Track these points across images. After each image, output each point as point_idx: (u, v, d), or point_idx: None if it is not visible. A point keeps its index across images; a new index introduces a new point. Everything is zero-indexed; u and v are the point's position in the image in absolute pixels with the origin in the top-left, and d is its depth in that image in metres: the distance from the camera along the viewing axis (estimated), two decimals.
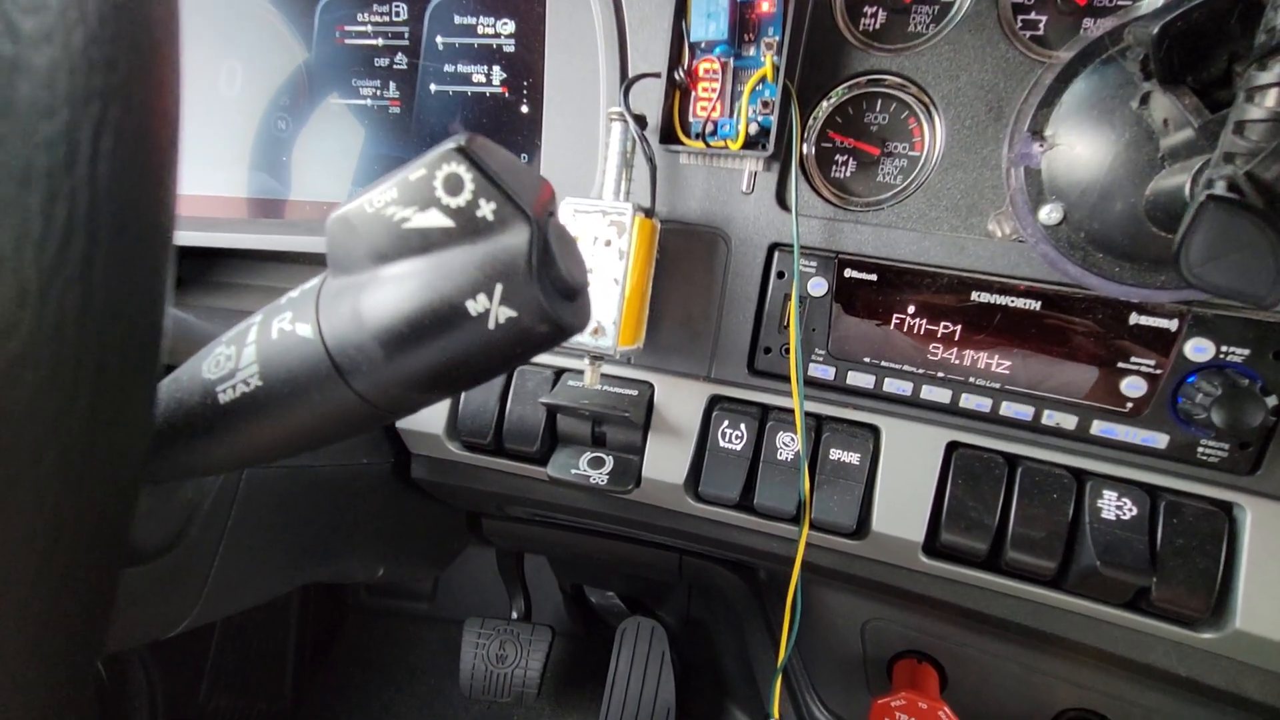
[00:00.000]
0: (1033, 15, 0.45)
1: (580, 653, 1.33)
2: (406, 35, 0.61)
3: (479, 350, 0.24)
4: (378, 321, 0.24)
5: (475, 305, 0.23)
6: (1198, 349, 0.42)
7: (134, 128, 0.11)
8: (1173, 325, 0.43)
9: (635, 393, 0.54)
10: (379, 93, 0.63)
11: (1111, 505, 0.45)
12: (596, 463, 0.56)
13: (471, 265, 0.23)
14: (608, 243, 0.46)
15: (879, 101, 0.49)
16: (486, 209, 0.23)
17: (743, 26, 0.46)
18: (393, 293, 0.24)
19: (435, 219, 0.23)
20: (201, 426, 0.28)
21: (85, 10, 0.10)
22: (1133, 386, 0.44)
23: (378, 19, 0.62)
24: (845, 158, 0.50)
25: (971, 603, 0.50)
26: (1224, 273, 0.25)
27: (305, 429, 0.27)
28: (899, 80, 0.47)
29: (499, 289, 0.23)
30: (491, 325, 0.24)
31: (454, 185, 0.23)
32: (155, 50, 0.11)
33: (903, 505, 0.48)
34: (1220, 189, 0.25)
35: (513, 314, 0.23)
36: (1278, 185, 0.24)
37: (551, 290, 0.24)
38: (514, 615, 1.27)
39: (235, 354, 0.27)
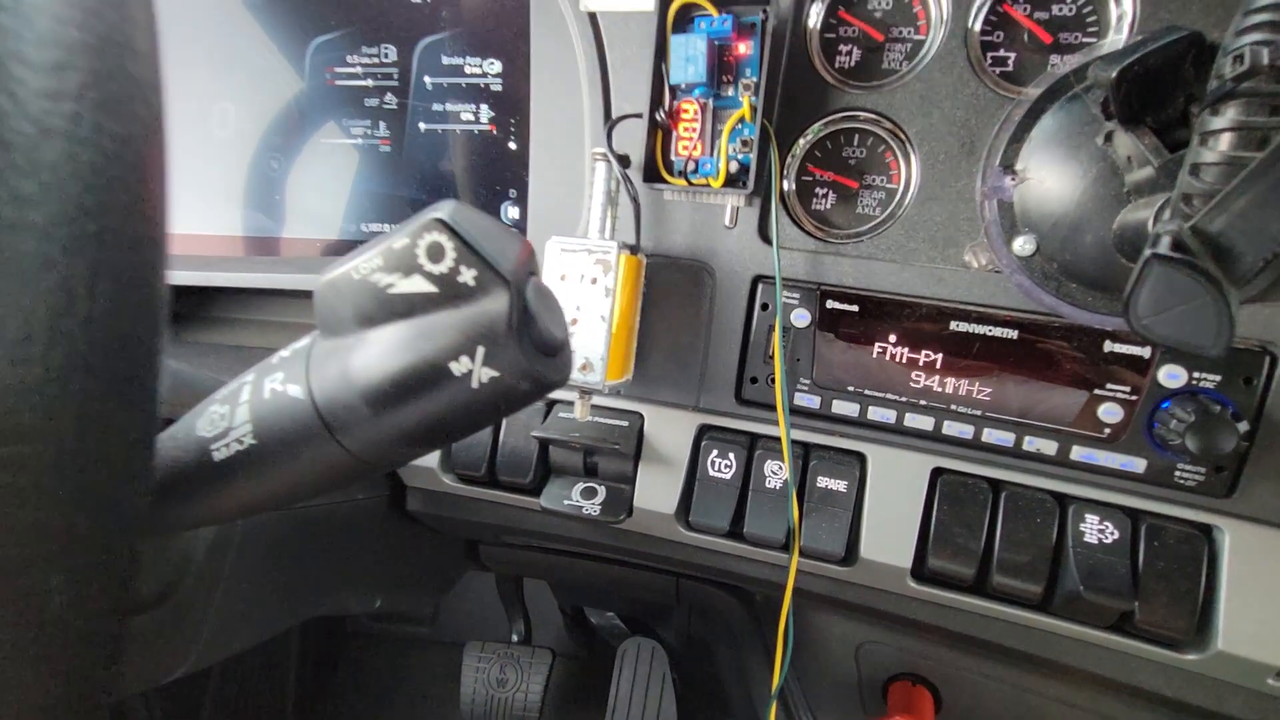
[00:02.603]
0: (1001, 53, 0.46)
1: (581, 674, 1.33)
2: (395, 75, 0.63)
3: (463, 408, 0.25)
4: (365, 382, 0.25)
5: (459, 366, 0.24)
6: (1171, 375, 0.43)
7: (126, 262, 0.12)
8: (1146, 353, 0.44)
9: (625, 424, 0.55)
10: (369, 132, 0.64)
11: (1094, 529, 0.45)
12: (589, 493, 0.56)
13: (454, 329, 0.24)
14: (594, 280, 0.47)
15: (855, 136, 0.50)
16: (467, 275, 0.24)
17: (721, 69, 0.48)
18: (379, 355, 0.25)
19: (419, 285, 0.24)
20: (197, 483, 0.28)
21: (78, 164, 0.11)
22: (1110, 413, 0.45)
23: (367, 60, 0.63)
24: (825, 191, 0.51)
25: (961, 626, 0.50)
26: (1170, 325, 0.26)
27: (297, 483, 0.28)
28: (874, 117, 0.48)
29: (481, 351, 0.24)
30: (475, 385, 0.24)
31: (436, 253, 0.24)
32: (146, 184, 0.12)
33: (890, 531, 0.49)
34: (1165, 247, 0.26)
35: (495, 374, 0.24)
36: (1220, 239, 0.25)
37: (532, 349, 0.25)
38: (514, 638, 1.27)
39: (229, 413, 0.28)
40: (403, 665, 1.36)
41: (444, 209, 0.24)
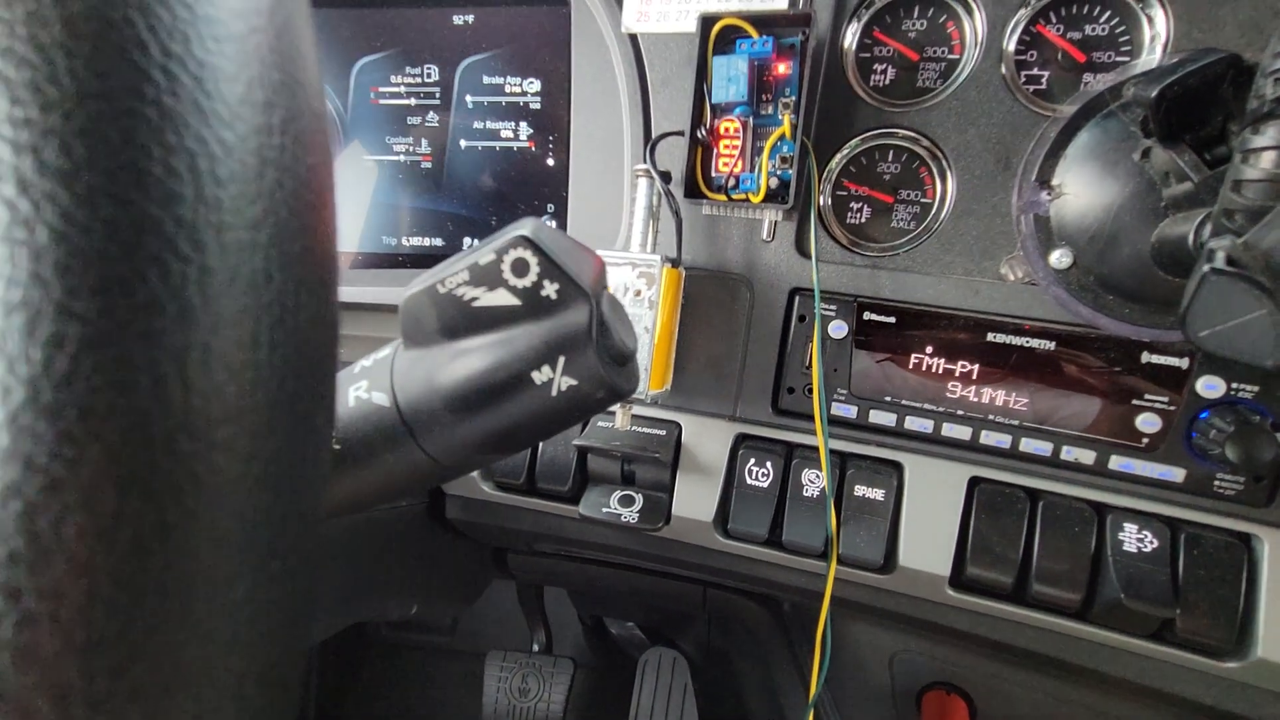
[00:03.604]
0: (1035, 71, 0.47)
1: (601, 685, 1.33)
2: (438, 94, 0.65)
3: (541, 415, 0.27)
4: (450, 389, 0.26)
5: (540, 375, 0.26)
6: (1209, 386, 0.44)
7: (317, 277, 0.13)
8: (1184, 363, 0.44)
9: (664, 433, 0.56)
10: (411, 149, 0.66)
11: (1133, 538, 0.46)
12: (626, 501, 0.57)
13: (537, 340, 0.25)
14: (638, 293, 0.49)
15: (890, 152, 0.51)
16: (550, 289, 0.25)
17: (761, 88, 0.49)
18: (464, 364, 0.26)
19: (503, 298, 0.26)
20: None
21: (285, 190, 0.12)
22: (1148, 423, 0.45)
23: (410, 80, 0.65)
24: (860, 205, 0.52)
25: (999, 635, 0.51)
26: (1227, 339, 0.27)
27: (377, 486, 0.29)
28: (911, 134, 0.49)
29: (561, 360, 0.25)
30: (554, 393, 0.26)
31: (520, 268, 0.25)
32: (328, 206, 0.14)
33: (928, 540, 0.50)
34: (1220, 261, 0.27)
35: (574, 382, 0.26)
36: (1274, 254, 0.26)
37: (608, 359, 0.26)
38: (535, 648, 1.28)
39: None
40: (424, 674, 1.37)
41: (527, 226, 0.26)
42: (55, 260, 0.10)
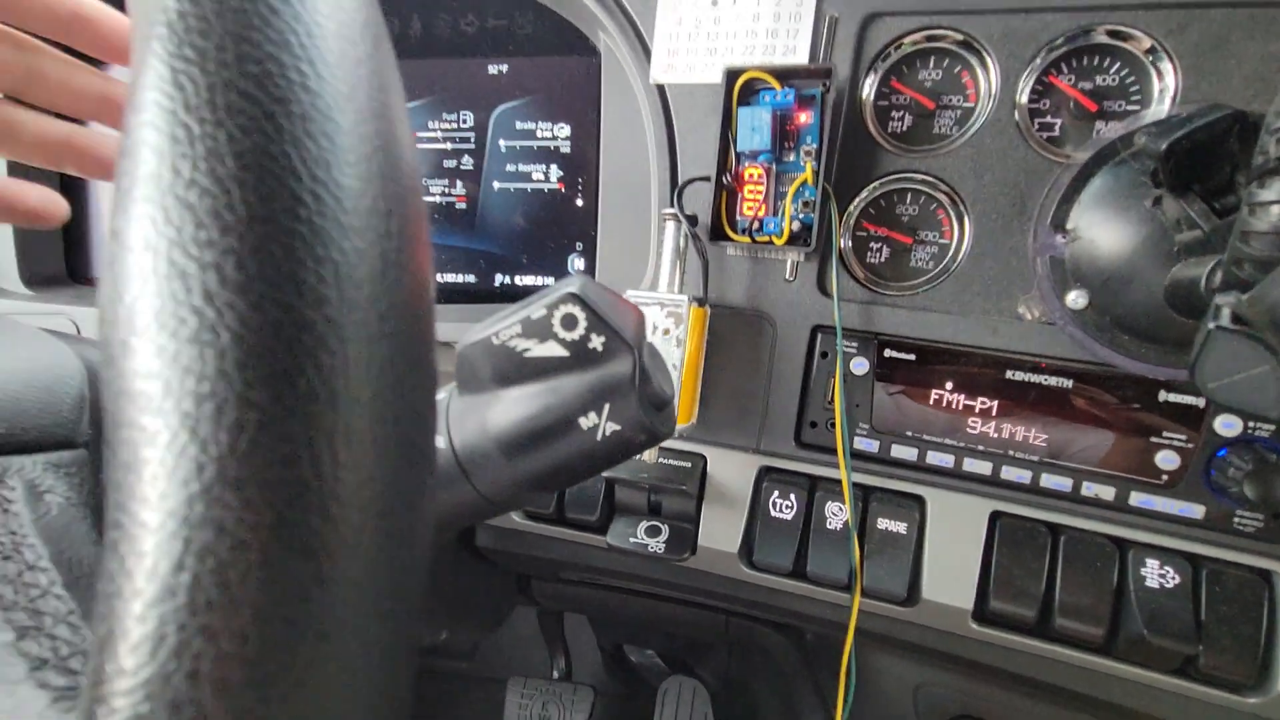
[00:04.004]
0: (1048, 119, 0.49)
1: (621, 713, 1.33)
2: (472, 139, 0.68)
3: (586, 457, 0.29)
4: (501, 434, 0.29)
5: (586, 421, 0.28)
6: (1226, 424, 0.45)
7: (422, 324, 0.16)
8: (1200, 402, 0.45)
9: (689, 465, 0.58)
10: (447, 190, 0.69)
11: (1154, 574, 0.47)
12: (653, 531, 0.59)
13: (584, 388, 0.28)
14: (666, 331, 0.51)
15: (909, 195, 0.53)
16: (597, 342, 0.27)
17: (783, 136, 0.52)
18: (515, 410, 0.28)
19: (553, 350, 0.28)
20: None
21: (395, 303, 0.15)
22: (1167, 460, 0.46)
23: (447, 125, 0.69)
24: (879, 245, 0.54)
25: (1022, 669, 0.52)
26: (1235, 391, 0.29)
27: (434, 522, 0.31)
28: (929, 179, 0.51)
29: (606, 407, 0.27)
30: (599, 437, 0.28)
31: (569, 322, 0.28)
32: (427, 265, 0.16)
33: (951, 573, 0.51)
34: (1225, 319, 0.29)
35: (617, 428, 0.28)
36: (1277, 311, 0.27)
37: (649, 405, 0.28)
38: (555, 674, 1.28)
39: None
40: (446, 698, 1.38)
41: (575, 284, 0.28)
42: (236, 358, 0.12)
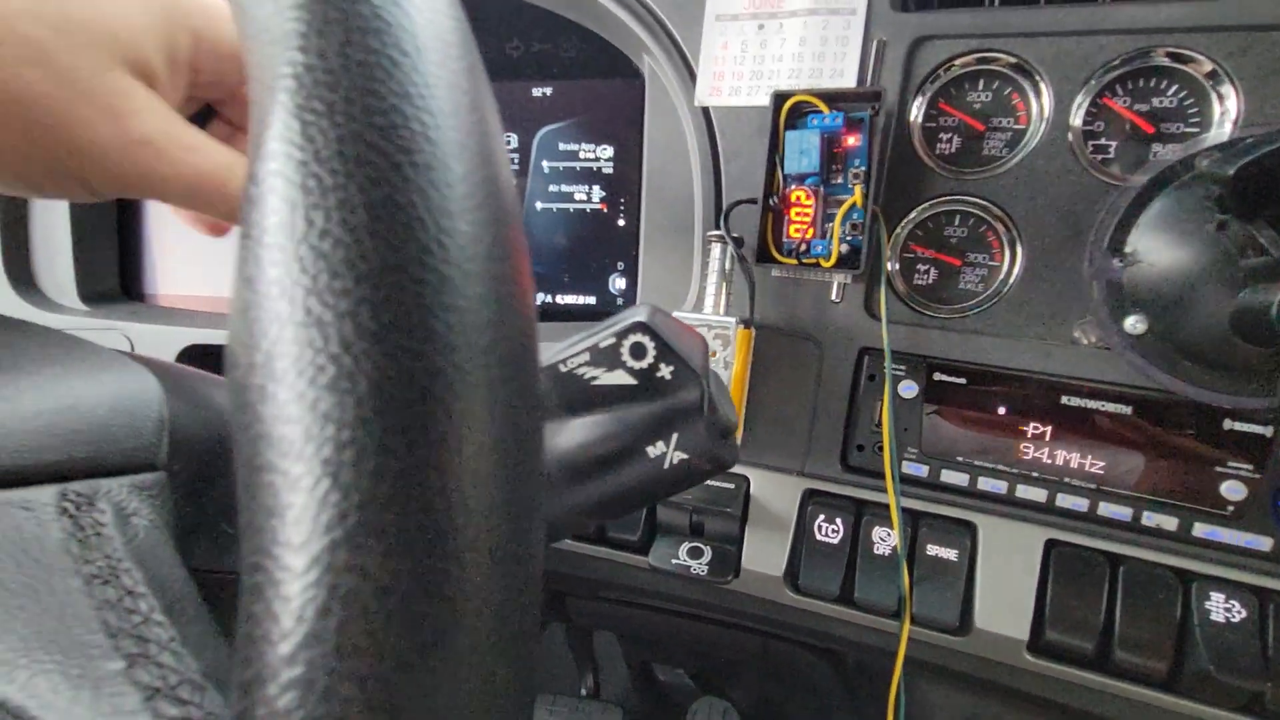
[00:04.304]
0: (1103, 141, 0.49)
1: None
2: (516, 160, 0.69)
3: (651, 485, 0.29)
4: (569, 461, 0.29)
5: (654, 449, 0.28)
6: None
7: (528, 339, 0.16)
8: (1267, 431, 0.44)
9: (732, 486, 0.58)
10: None
11: (1220, 607, 0.45)
12: (695, 553, 0.59)
13: (652, 417, 0.28)
14: (714, 354, 0.51)
15: (957, 217, 0.53)
16: (665, 371, 0.28)
17: (830, 159, 0.52)
18: (582, 437, 0.29)
19: (621, 378, 0.28)
20: None
21: (511, 347, 0.15)
22: (1232, 490, 0.45)
23: None
24: (926, 268, 0.54)
25: (1079, 703, 0.50)
26: None
27: None
28: (979, 201, 0.51)
29: (675, 437, 0.28)
30: (666, 465, 0.28)
31: (638, 351, 0.28)
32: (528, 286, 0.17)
33: (1005, 602, 0.50)
34: None
35: (685, 456, 0.28)
36: None
37: (715, 434, 0.28)
38: (583, 691, 1.27)
39: None
40: None
41: (643, 313, 0.28)
42: (374, 406, 0.12)
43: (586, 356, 0.28)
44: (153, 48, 0.28)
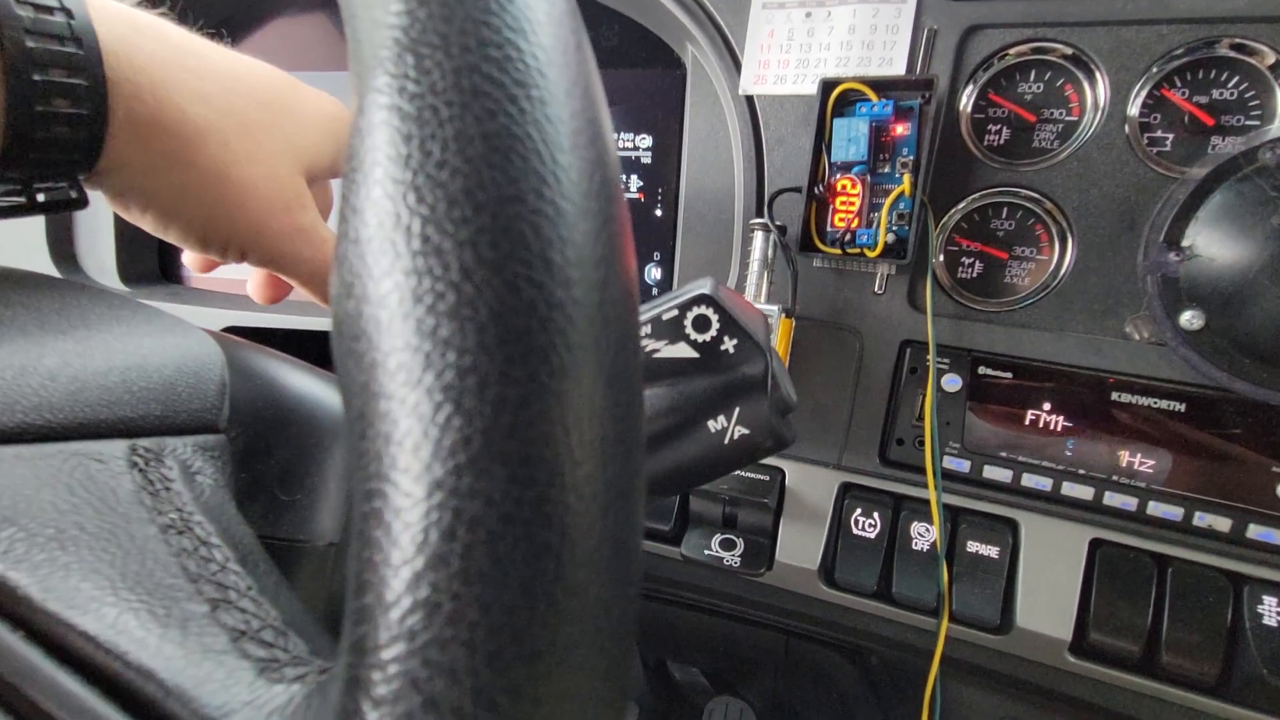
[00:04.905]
0: (1159, 133, 0.48)
1: None
2: None
3: (711, 460, 0.28)
4: None
5: (715, 424, 0.27)
6: None
7: (632, 319, 0.16)
8: None
9: (767, 478, 0.57)
10: None
11: (1273, 611, 0.44)
12: (728, 544, 0.58)
13: (714, 391, 0.27)
14: None
15: (1005, 209, 0.52)
16: (729, 344, 0.27)
17: (878, 148, 0.51)
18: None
19: (683, 351, 0.28)
20: None
21: (610, 275, 0.15)
22: None
23: None
24: (972, 261, 0.53)
25: (1122, 707, 0.49)
26: None
27: None
28: (1030, 193, 0.50)
29: (737, 411, 0.27)
30: (726, 440, 0.28)
31: (702, 324, 0.27)
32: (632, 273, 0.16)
33: (1047, 602, 0.49)
34: None
35: (746, 431, 0.27)
36: None
37: (777, 411, 0.28)
38: None
39: None
40: None
41: (707, 285, 0.28)
42: (497, 334, 0.12)
43: (648, 329, 0.28)
44: (322, 159, 0.35)
